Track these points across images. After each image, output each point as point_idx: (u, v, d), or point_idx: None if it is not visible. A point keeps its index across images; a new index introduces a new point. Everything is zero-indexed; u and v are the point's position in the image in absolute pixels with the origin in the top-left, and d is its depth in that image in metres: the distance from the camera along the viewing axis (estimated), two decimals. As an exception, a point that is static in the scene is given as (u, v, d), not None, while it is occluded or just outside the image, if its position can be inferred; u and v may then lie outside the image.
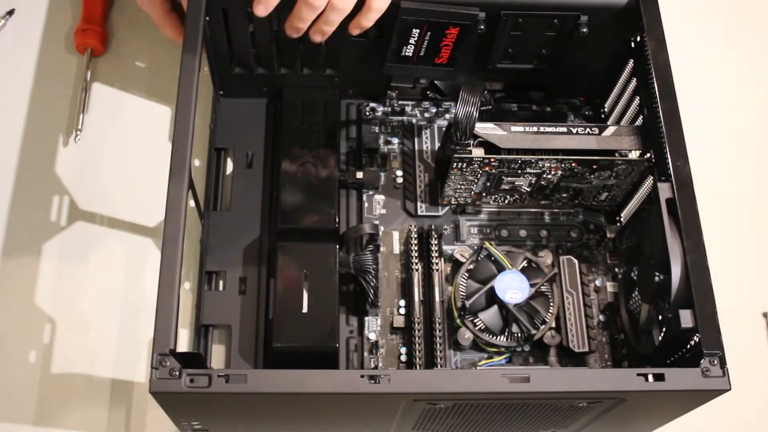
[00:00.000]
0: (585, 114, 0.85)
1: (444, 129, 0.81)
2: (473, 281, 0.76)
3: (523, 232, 0.81)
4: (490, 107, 0.82)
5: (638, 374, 0.59)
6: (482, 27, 0.74)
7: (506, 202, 0.81)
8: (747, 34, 0.97)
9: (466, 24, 0.73)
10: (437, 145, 0.84)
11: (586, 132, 0.75)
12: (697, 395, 0.61)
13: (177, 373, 0.57)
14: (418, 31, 0.73)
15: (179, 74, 0.66)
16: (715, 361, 0.60)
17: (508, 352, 0.75)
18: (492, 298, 0.74)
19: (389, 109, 0.85)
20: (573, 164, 0.75)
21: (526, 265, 0.77)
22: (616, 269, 0.79)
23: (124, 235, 0.81)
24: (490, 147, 0.74)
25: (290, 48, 0.79)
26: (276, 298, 0.73)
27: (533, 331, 0.74)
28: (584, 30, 0.75)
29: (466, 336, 0.74)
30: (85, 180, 0.83)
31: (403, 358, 0.75)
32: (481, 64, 0.80)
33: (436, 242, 0.78)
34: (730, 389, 0.60)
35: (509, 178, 0.77)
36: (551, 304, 0.76)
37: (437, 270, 0.77)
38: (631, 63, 0.76)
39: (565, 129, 0.74)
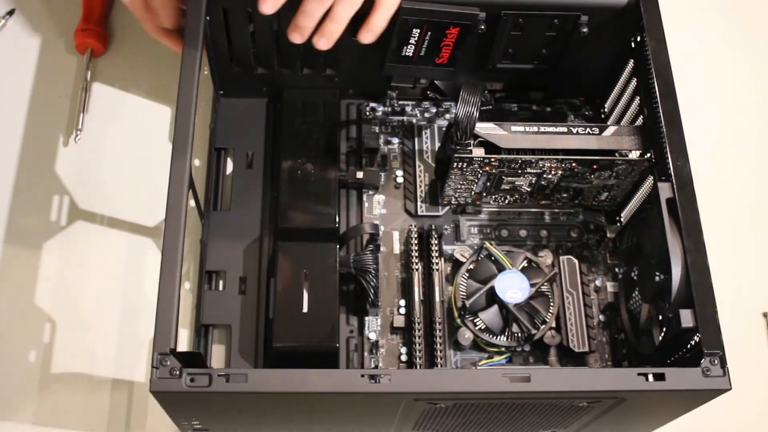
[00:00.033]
0: (585, 114, 0.85)
1: (444, 129, 0.81)
2: (473, 281, 0.76)
3: (523, 232, 0.81)
4: (491, 107, 0.82)
5: (638, 374, 0.59)
6: (482, 27, 0.74)
7: (506, 202, 0.81)
8: (747, 34, 0.97)
9: (467, 24, 0.73)
10: (437, 145, 0.84)
11: (587, 132, 0.74)
12: (698, 395, 0.61)
13: (177, 372, 0.57)
14: (418, 30, 0.73)
15: (179, 74, 0.66)
16: (716, 361, 0.60)
17: (508, 351, 0.75)
18: (492, 297, 0.74)
19: (389, 109, 0.85)
20: (573, 164, 0.75)
21: (526, 265, 0.77)
22: (616, 269, 0.79)
23: (124, 235, 0.81)
24: (490, 147, 0.74)
25: (290, 48, 0.78)
26: (276, 298, 0.73)
27: (533, 331, 0.74)
28: (584, 30, 0.75)
29: (466, 336, 0.74)
30: (85, 180, 0.83)
31: (404, 357, 0.75)
32: (481, 64, 0.80)
33: (436, 242, 0.78)
34: (730, 389, 0.60)
35: (509, 178, 0.77)
36: (551, 304, 0.76)
37: (437, 270, 0.77)
38: (631, 63, 0.76)
39: (565, 129, 0.74)
